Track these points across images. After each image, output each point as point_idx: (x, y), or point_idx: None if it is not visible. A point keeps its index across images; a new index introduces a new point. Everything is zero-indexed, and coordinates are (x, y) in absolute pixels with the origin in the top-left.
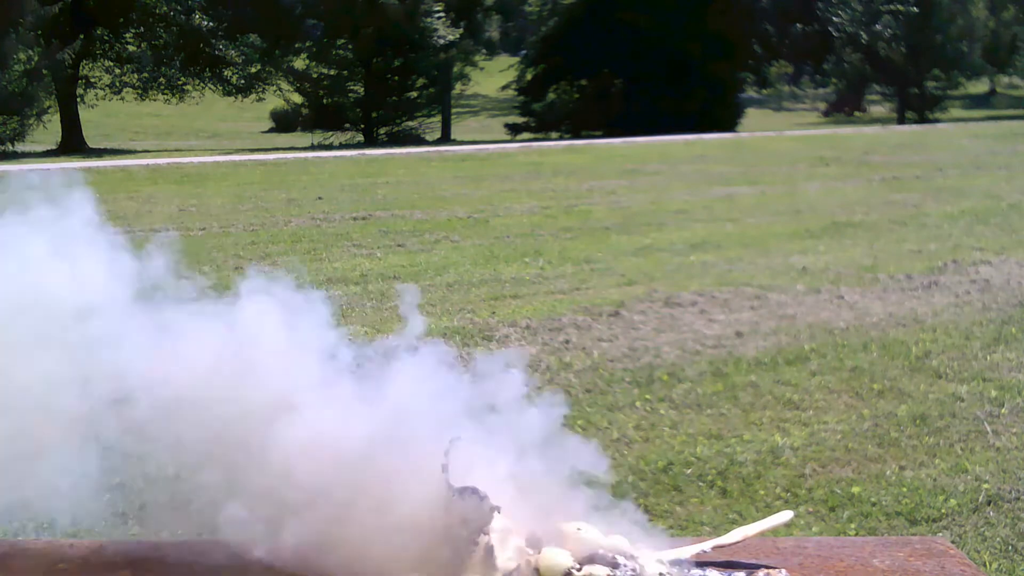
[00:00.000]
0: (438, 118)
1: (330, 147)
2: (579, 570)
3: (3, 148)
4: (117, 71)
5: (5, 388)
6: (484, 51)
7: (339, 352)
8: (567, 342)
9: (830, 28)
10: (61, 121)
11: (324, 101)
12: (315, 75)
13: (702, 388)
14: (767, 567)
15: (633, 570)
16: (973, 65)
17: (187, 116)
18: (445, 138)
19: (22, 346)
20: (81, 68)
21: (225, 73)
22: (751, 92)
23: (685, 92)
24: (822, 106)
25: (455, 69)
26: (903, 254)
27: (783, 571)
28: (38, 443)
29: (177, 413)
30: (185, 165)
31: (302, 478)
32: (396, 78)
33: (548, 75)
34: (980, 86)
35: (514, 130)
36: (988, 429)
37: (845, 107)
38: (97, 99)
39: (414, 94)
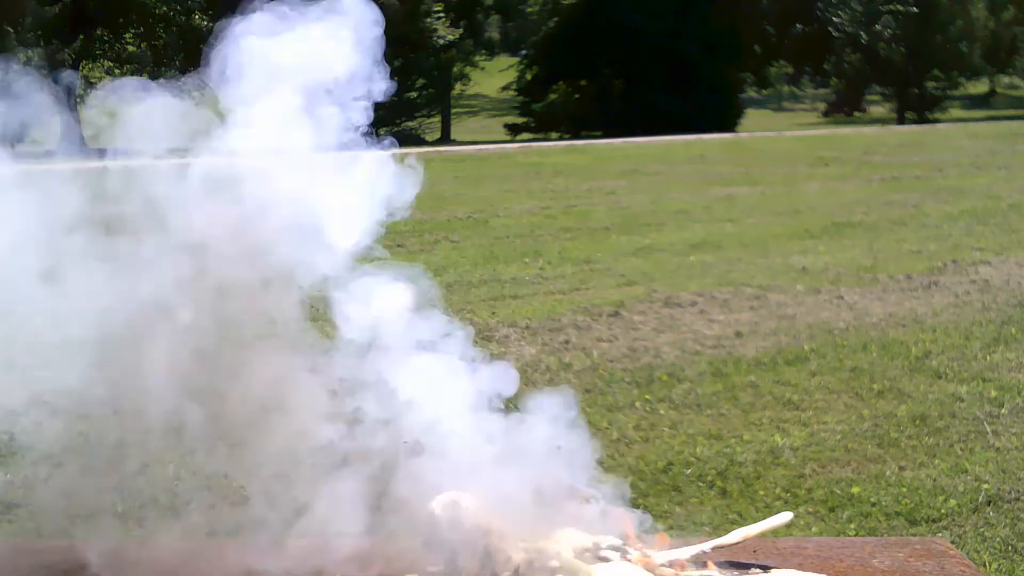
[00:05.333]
0: (438, 118)
1: None
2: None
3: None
4: (117, 71)
5: None
6: (484, 51)
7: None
8: (567, 342)
9: (830, 28)
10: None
11: None
12: None
13: (702, 388)
14: (768, 567)
15: None
16: (973, 65)
17: None
18: (445, 138)
19: None
20: (81, 68)
21: None
22: (751, 92)
23: (685, 92)
24: (822, 106)
25: (455, 69)
26: (903, 254)
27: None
28: None
29: None
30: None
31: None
32: (396, 78)
33: (548, 75)
34: (980, 86)
35: (514, 130)
36: (988, 429)
37: (845, 107)
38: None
39: (414, 94)
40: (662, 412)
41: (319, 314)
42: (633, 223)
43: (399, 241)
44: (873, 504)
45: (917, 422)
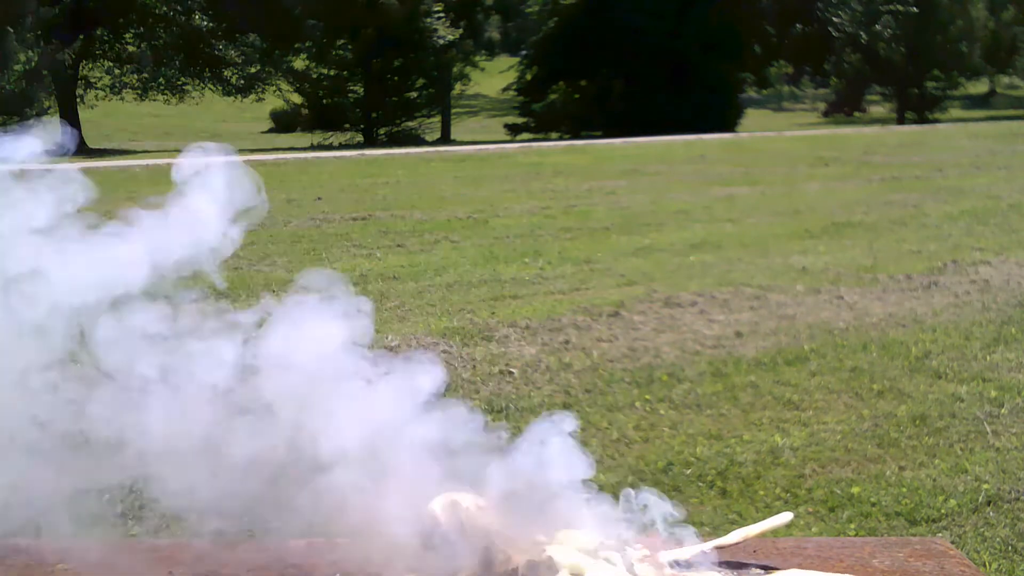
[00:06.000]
0: (438, 118)
1: (330, 147)
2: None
3: None
4: (117, 71)
5: None
6: (484, 51)
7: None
8: (567, 342)
9: (830, 28)
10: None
11: (324, 101)
12: (315, 75)
13: (702, 388)
14: (769, 567)
15: None
16: (973, 65)
17: (187, 116)
18: (445, 138)
19: None
20: (81, 68)
21: (225, 73)
22: (751, 92)
23: (685, 92)
24: (822, 106)
25: (455, 69)
26: (903, 254)
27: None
28: None
29: None
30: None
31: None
32: (396, 78)
33: (548, 75)
34: (980, 86)
35: (514, 130)
36: (988, 429)
37: (845, 107)
38: (97, 100)
39: (414, 94)
40: (662, 412)
41: None
42: (633, 223)
43: (399, 241)
44: (873, 504)
45: (917, 422)
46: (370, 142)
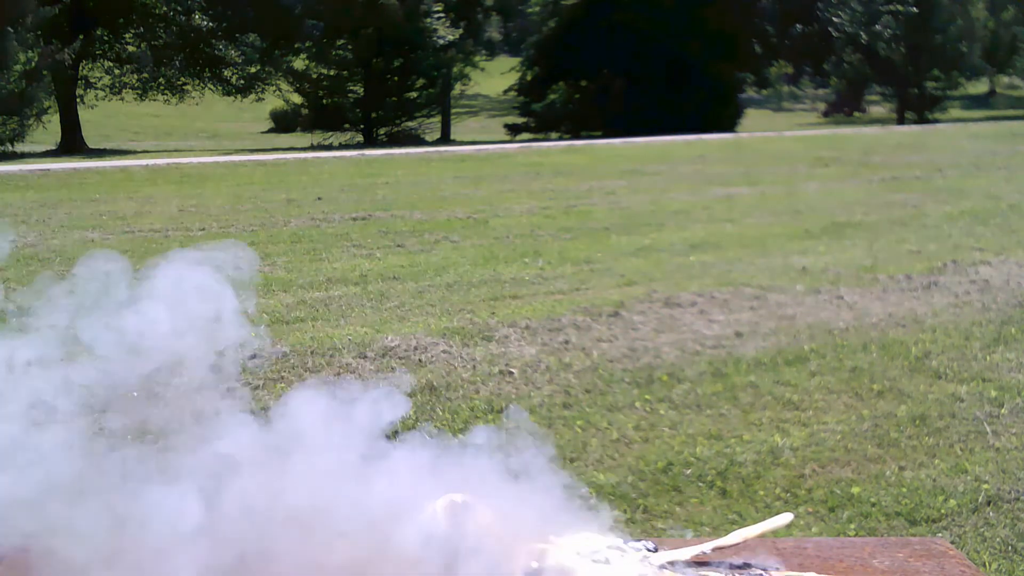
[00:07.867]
0: (438, 118)
1: (330, 147)
2: None
3: (3, 148)
4: (117, 71)
5: None
6: (484, 51)
7: None
8: (567, 342)
9: (830, 28)
10: (61, 121)
11: (324, 101)
12: (315, 75)
13: (702, 388)
14: (769, 568)
15: None
16: (973, 65)
17: (187, 116)
18: (445, 138)
19: None
20: (81, 68)
21: (225, 73)
22: (751, 92)
23: (685, 92)
24: (822, 106)
25: (455, 69)
26: (903, 254)
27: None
28: None
29: None
30: (184, 165)
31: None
32: (396, 78)
33: (548, 75)
34: (980, 86)
35: (513, 130)
36: (988, 429)
37: (845, 107)
38: (97, 99)
39: (414, 94)
40: (662, 412)
41: None
42: (633, 223)
43: (399, 241)
44: (873, 504)
45: (917, 422)
46: (370, 142)
